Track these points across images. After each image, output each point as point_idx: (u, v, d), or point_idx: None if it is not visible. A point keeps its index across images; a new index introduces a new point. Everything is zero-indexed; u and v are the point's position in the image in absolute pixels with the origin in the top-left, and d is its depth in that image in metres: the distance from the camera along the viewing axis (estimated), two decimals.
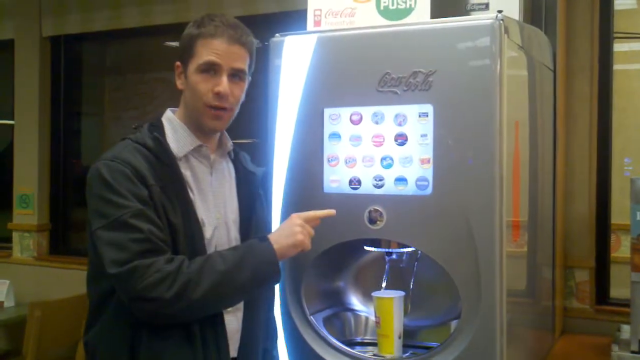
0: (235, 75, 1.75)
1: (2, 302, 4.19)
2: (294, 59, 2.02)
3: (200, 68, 1.72)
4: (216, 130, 1.80)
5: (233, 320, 1.77)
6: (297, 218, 1.76)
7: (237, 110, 1.80)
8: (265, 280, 1.71)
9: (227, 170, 1.88)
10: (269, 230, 1.95)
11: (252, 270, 1.65)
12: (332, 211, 1.83)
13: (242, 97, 1.81)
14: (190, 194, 1.72)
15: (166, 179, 1.68)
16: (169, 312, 1.58)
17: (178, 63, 1.79)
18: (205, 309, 1.65)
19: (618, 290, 2.80)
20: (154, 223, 1.61)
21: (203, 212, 1.74)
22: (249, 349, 1.80)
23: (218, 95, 1.71)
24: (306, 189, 1.99)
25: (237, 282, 1.63)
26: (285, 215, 2.00)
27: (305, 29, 2.18)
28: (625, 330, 2.39)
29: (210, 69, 1.71)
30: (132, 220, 1.58)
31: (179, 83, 1.79)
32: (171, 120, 1.79)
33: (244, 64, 1.76)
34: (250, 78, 1.83)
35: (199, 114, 1.74)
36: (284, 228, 1.75)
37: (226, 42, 1.72)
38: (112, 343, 1.67)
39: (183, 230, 1.66)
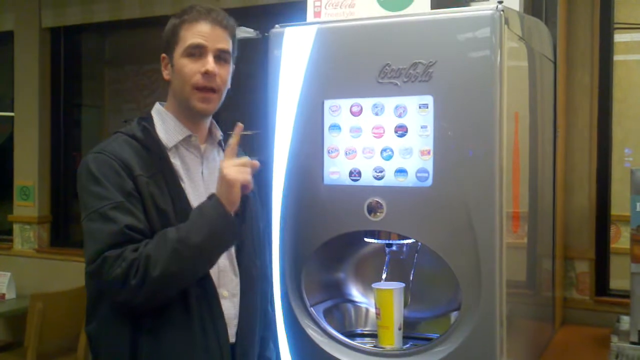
0: (221, 57, 1.77)
1: (4, 294, 4.21)
2: (294, 50, 2.01)
3: (186, 52, 1.75)
4: (206, 113, 1.81)
5: (230, 306, 1.79)
6: (220, 163, 1.69)
7: (224, 94, 1.82)
8: (223, 234, 1.65)
9: (219, 160, 1.89)
10: (266, 219, 1.96)
11: (206, 227, 1.61)
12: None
13: (229, 83, 1.83)
14: (181, 182, 1.74)
15: (155, 168, 1.70)
16: (139, 299, 1.59)
17: (163, 55, 1.81)
18: (171, 283, 1.62)
19: (618, 281, 2.81)
20: (134, 215, 1.62)
21: (194, 199, 1.75)
22: (246, 335, 1.82)
23: (206, 74, 1.73)
24: (306, 180, 1.99)
25: (194, 245, 1.59)
26: (285, 207, 2.01)
27: (305, 20, 2.17)
28: (625, 321, 2.40)
29: (196, 51, 1.74)
30: (111, 213, 1.60)
31: (166, 74, 1.82)
32: (160, 112, 1.82)
33: (227, 45, 1.79)
34: (234, 66, 1.85)
35: (188, 97, 1.76)
36: (217, 180, 1.68)
37: (210, 25, 1.76)
38: (113, 335, 1.69)
39: (174, 217, 1.68)
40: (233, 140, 1.72)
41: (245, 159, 1.71)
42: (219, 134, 1.89)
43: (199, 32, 1.74)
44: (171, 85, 1.81)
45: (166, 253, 1.58)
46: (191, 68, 1.74)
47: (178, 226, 1.63)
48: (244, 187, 1.67)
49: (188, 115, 1.80)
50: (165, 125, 1.79)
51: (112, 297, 1.65)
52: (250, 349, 1.85)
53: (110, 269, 1.57)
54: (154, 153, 1.72)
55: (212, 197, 1.67)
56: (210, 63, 1.74)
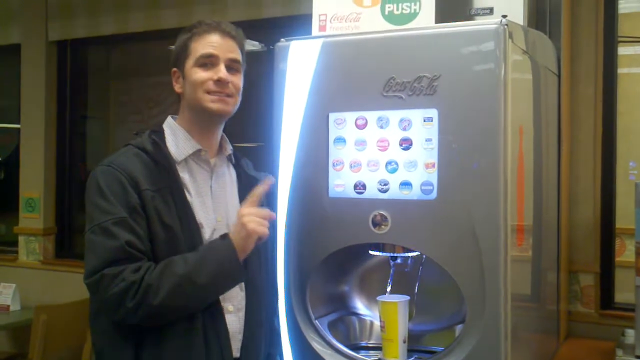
0: (232, 67, 1.80)
1: (8, 306, 4.21)
2: (299, 63, 2.02)
3: (198, 62, 1.77)
4: (224, 114, 1.82)
5: (235, 320, 1.79)
6: (241, 210, 1.72)
7: (239, 99, 1.85)
8: (228, 279, 1.69)
9: (229, 174, 1.91)
10: (272, 234, 1.97)
11: (213, 269, 1.64)
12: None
13: (241, 90, 1.86)
14: (188, 197, 1.74)
15: (163, 182, 1.71)
16: (134, 320, 1.62)
17: (174, 69, 1.83)
18: (169, 313, 1.64)
19: (623, 294, 2.80)
20: (135, 233, 1.63)
21: (201, 214, 1.76)
22: (251, 350, 1.82)
23: (219, 82, 1.76)
24: (311, 193, 1.99)
25: (197, 283, 1.62)
26: (290, 220, 2.01)
27: (311, 33, 2.18)
28: (630, 335, 2.39)
29: (208, 61, 1.77)
30: (113, 228, 1.61)
31: (177, 87, 1.83)
32: (171, 126, 1.83)
33: (238, 55, 1.83)
34: (243, 79, 1.87)
35: (201, 101, 1.77)
36: (235, 224, 1.71)
37: (220, 35, 1.79)
38: (116, 345, 1.69)
39: (181, 232, 1.68)
40: (260, 190, 1.74)
41: (267, 211, 1.74)
42: (229, 149, 1.90)
43: (210, 43, 1.77)
44: (183, 97, 1.82)
45: (168, 285, 1.59)
46: (203, 75, 1.76)
47: (185, 258, 1.64)
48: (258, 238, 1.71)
49: (201, 126, 1.80)
50: (176, 138, 1.79)
51: (108, 314, 1.67)
52: None
53: (108, 287, 1.59)
54: (162, 167, 1.73)
55: (225, 237, 1.68)
56: (222, 71, 1.76)
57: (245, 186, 1.89)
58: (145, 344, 1.66)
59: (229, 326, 1.76)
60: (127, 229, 1.62)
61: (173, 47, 1.85)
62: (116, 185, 1.65)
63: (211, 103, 1.77)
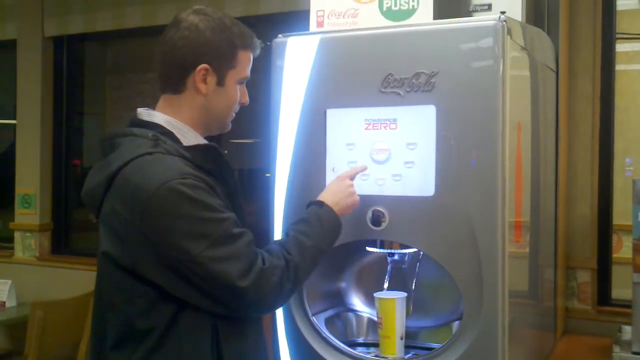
0: None
1: (4, 302, 4.20)
2: (297, 59, 2.02)
3: (240, 81, 1.71)
4: None
5: None
6: (347, 179, 1.86)
7: None
8: (334, 242, 1.79)
9: None
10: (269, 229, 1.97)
11: (328, 237, 1.75)
12: (365, 166, 1.92)
13: None
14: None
15: (222, 190, 1.65)
16: (285, 301, 1.68)
17: (206, 66, 1.63)
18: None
19: (620, 291, 2.80)
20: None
21: None
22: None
23: (242, 105, 1.76)
24: (308, 189, 1.98)
25: (322, 251, 1.72)
26: (288, 216, 2.00)
27: (308, 29, 2.18)
28: (627, 331, 2.39)
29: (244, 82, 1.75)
30: (235, 230, 1.55)
31: (204, 87, 1.65)
32: (175, 125, 1.67)
33: None
34: None
35: (226, 119, 1.74)
36: (341, 190, 1.83)
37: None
38: (195, 326, 1.59)
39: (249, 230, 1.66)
40: (362, 167, 1.92)
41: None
42: None
43: (249, 65, 1.73)
44: (205, 99, 1.67)
45: (309, 261, 1.67)
46: (238, 96, 1.72)
47: (303, 232, 1.69)
48: None
49: (205, 130, 1.73)
50: (187, 139, 1.66)
51: (263, 306, 1.61)
52: None
53: (268, 278, 1.55)
54: (210, 173, 1.63)
55: (323, 205, 1.77)
56: (247, 95, 1.76)
57: None
58: (220, 340, 1.59)
59: None
60: (240, 226, 1.59)
61: None
62: (207, 194, 1.55)
63: (230, 124, 1.77)
